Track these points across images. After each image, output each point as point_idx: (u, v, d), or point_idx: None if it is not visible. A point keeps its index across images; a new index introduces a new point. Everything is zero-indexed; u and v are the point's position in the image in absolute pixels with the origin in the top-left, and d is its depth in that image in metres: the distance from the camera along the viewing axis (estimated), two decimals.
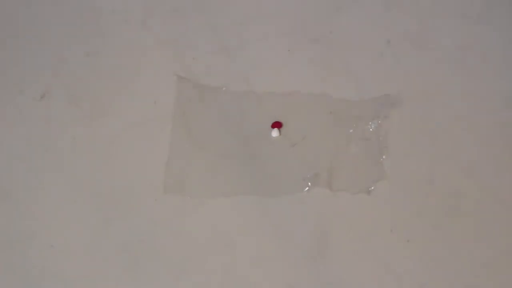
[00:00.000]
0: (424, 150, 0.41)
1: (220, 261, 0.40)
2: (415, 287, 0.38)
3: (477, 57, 0.43)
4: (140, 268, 0.40)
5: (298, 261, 0.40)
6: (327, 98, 0.43)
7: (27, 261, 0.41)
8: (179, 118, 0.43)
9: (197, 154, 0.42)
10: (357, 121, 0.42)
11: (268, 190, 0.41)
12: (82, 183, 0.42)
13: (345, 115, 0.43)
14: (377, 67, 0.44)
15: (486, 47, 0.44)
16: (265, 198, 0.41)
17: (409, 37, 0.44)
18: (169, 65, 0.45)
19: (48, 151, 0.43)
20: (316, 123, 0.43)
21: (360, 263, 0.39)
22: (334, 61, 0.42)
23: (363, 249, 0.39)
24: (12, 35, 0.46)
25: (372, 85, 0.41)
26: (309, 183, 0.41)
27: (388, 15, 0.44)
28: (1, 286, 0.40)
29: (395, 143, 0.42)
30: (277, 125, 0.43)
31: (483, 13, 0.45)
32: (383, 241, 0.39)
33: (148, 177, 0.42)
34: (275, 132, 0.43)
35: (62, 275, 0.41)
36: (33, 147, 0.43)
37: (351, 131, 0.42)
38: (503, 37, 0.44)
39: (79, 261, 0.41)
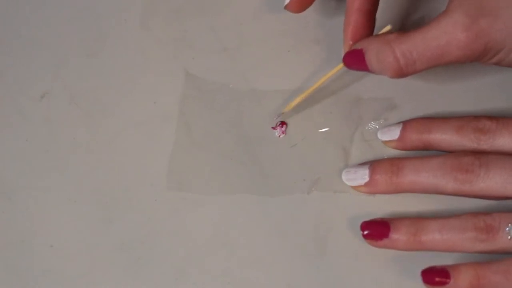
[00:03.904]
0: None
1: (220, 261, 0.40)
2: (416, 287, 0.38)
3: None
4: (140, 268, 0.40)
5: (298, 261, 0.40)
6: (327, 98, 0.43)
7: (27, 261, 0.41)
8: (179, 118, 0.43)
9: (198, 154, 0.42)
10: (357, 122, 0.42)
11: (269, 190, 0.41)
12: (82, 183, 0.42)
13: (345, 115, 0.43)
14: None
15: None
16: (265, 198, 0.41)
17: None
18: (169, 65, 0.45)
19: (48, 151, 0.43)
20: (316, 124, 0.43)
21: (360, 263, 0.39)
22: (334, 61, 0.42)
23: (363, 250, 0.39)
24: (12, 35, 0.46)
25: (372, 86, 0.41)
26: (310, 184, 0.41)
27: (388, 15, 0.44)
28: (1, 286, 0.41)
29: None
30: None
31: None
32: None
33: (149, 177, 0.42)
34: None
35: (62, 275, 0.41)
36: (33, 147, 0.43)
37: (351, 132, 0.42)
38: None
39: (79, 261, 0.41)
